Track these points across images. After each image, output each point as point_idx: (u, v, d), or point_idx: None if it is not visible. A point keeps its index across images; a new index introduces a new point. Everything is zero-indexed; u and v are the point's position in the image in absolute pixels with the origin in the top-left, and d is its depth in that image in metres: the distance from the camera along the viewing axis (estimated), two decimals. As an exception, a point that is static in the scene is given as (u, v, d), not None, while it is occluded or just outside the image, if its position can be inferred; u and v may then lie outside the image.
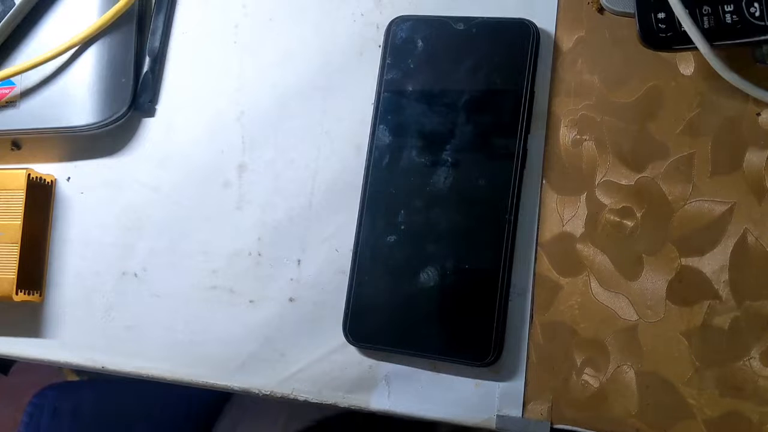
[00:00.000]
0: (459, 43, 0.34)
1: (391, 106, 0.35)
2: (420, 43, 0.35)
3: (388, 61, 0.36)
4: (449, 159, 0.34)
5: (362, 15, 0.38)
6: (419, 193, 0.34)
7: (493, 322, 0.32)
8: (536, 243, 0.33)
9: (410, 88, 0.35)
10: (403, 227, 0.34)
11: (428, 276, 0.33)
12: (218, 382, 0.37)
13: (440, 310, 0.33)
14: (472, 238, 0.33)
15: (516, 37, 0.34)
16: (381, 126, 0.35)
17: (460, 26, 0.35)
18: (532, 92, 0.33)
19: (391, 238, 0.34)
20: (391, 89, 0.35)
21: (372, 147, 0.35)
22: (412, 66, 0.35)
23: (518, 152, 0.33)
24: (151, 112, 0.40)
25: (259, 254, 0.37)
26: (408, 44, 0.35)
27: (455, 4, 0.36)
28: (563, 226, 0.33)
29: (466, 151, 0.34)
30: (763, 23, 0.28)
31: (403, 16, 0.36)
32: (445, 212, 0.33)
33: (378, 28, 0.37)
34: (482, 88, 0.34)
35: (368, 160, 0.35)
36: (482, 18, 0.35)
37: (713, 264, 0.31)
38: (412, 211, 0.34)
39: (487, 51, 0.34)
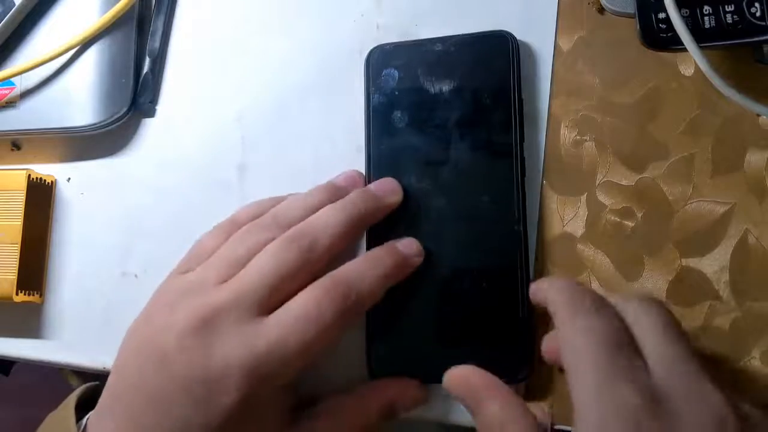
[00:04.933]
0: (440, 64, 0.34)
1: (382, 137, 0.35)
2: (401, 70, 0.35)
3: (372, 91, 0.35)
4: (449, 181, 0.33)
5: (362, 15, 0.38)
6: (425, 219, 0.33)
7: (519, 338, 0.32)
8: (537, 243, 0.33)
9: (399, 116, 0.34)
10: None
11: (447, 299, 0.32)
12: (218, 383, 0.37)
13: (464, 334, 0.32)
14: (485, 255, 0.32)
15: (495, 50, 0.34)
16: (374, 161, 0.34)
17: (438, 47, 0.34)
18: (521, 100, 0.33)
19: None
20: (379, 120, 0.35)
21: (368, 181, 0.35)
22: (397, 94, 0.35)
23: (516, 162, 0.33)
24: (151, 113, 0.40)
25: (259, 255, 0.37)
26: (389, 73, 0.35)
27: (456, 4, 0.36)
28: (563, 226, 0.33)
29: (464, 170, 0.33)
30: (764, 23, 0.28)
31: (380, 45, 0.36)
32: (454, 234, 0.33)
33: (378, 28, 0.37)
34: (470, 104, 0.33)
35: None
36: (459, 36, 0.34)
37: (714, 264, 0.31)
38: (420, 237, 0.33)
39: (469, 68, 0.34)
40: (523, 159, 0.33)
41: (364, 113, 0.35)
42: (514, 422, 0.27)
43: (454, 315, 0.32)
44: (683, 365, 0.24)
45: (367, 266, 0.30)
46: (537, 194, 0.34)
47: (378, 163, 0.35)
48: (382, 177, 0.34)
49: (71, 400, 0.32)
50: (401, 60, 0.35)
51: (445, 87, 0.34)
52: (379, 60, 0.35)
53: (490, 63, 0.34)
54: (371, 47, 0.36)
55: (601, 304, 0.26)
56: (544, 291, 0.28)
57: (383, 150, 0.35)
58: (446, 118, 0.34)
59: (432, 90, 0.34)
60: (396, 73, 0.35)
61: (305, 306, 0.28)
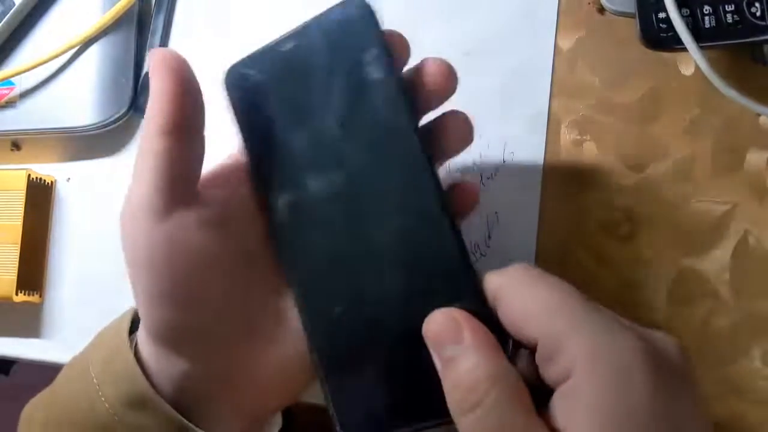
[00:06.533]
0: (300, 63, 0.28)
1: (268, 167, 0.28)
2: (261, 84, 0.29)
3: (240, 118, 0.29)
4: (362, 191, 0.26)
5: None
6: (351, 243, 0.26)
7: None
8: (537, 245, 0.33)
9: (279, 137, 0.28)
10: (349, 292, 0.26)
11: (401, 334, 0.25)
12: (218, 383, 0.37)
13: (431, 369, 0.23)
14: (420, 259, 0.25)
15: (353, 21, 0.27)
16: (271, 194, 0.28)
17: (290, 45, 0.28)
18: (389, 57, 0.26)
19: (339, 310, 0.26)
20: (257, 147, 0.29)
21: (274, 222, 0.28)
22: (269, 113, 0.29)
23: (418, 145, 0.25)
24: (151, 113, 0.40)
25: (259, 255, 0.37)
26: (250, 91, 0.29)
27: (456, 4, 0.36)
28: (563, 227, 0.33)
29: (373, 175, 0.26)
30: (764, 23, 0.28)
31: (233, 64, 0.30)
32: (382, 246, 0.26)
33: (378, 28, 0.37)
34: (350, 96, 0.27)
35: (274, 238, 0.28)
36: (308, 21, 0.28)
37: (714, 264, 0.31)
38: (351, 270, 0.26)
39: (334, 54, 0.27)
40: (425, 142, 0.25)
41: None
42: (503, 381, 0.20)
43: (414, 352, 0.24)
44: None
45: None
46: (537, 194, 0.34)
47: (274, 199, 0.28)
48: (285, 212, 0.28)
49: (129, 312, 0.30)
50: (257, 72, 0.29)
51: (318, 87, 0.27)
52: (235, 80, 0.30)
53: (351, 39, 0.27)
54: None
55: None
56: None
57: (276, 181, 0.28)
58: (332, 122, 0.27)
59: (305, 96, 0.28)
60: (256, 91, 0.29)
61: None
